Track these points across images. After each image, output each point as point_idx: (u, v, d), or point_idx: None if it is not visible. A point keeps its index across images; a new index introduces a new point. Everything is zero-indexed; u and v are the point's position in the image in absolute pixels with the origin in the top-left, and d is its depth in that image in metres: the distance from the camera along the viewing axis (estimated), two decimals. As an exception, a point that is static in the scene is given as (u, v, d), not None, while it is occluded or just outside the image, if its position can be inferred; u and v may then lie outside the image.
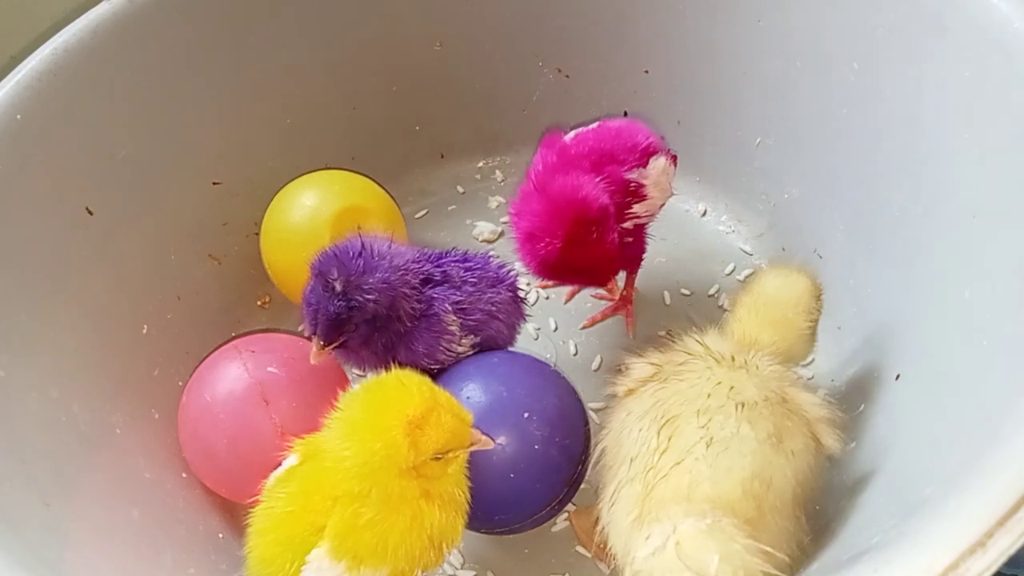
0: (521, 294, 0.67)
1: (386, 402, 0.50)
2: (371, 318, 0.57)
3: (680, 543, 0.46)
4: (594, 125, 0.70)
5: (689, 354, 0.55)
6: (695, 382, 0.53)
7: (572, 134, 0.70)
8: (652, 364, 0.56)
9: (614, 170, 0.66)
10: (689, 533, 0.46)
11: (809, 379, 0.71)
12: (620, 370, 0.58)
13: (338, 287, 0.56)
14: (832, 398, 0.68)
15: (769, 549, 0.46)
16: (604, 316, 0.78)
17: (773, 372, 0.55)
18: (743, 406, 0.51)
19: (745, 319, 0.59)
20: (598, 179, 0.64)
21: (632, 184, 0.67)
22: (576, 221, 0.61)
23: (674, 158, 0.71)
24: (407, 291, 0.59)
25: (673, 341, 0.58)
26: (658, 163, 0.69)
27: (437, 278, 0.62)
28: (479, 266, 0.64)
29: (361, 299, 0.56)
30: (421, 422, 0.49)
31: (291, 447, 0.54)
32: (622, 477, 0.52)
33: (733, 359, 0.54)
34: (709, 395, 0.51)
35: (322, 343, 0.57)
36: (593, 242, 0.62)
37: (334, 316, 0.56)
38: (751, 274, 0.61)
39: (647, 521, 0.49)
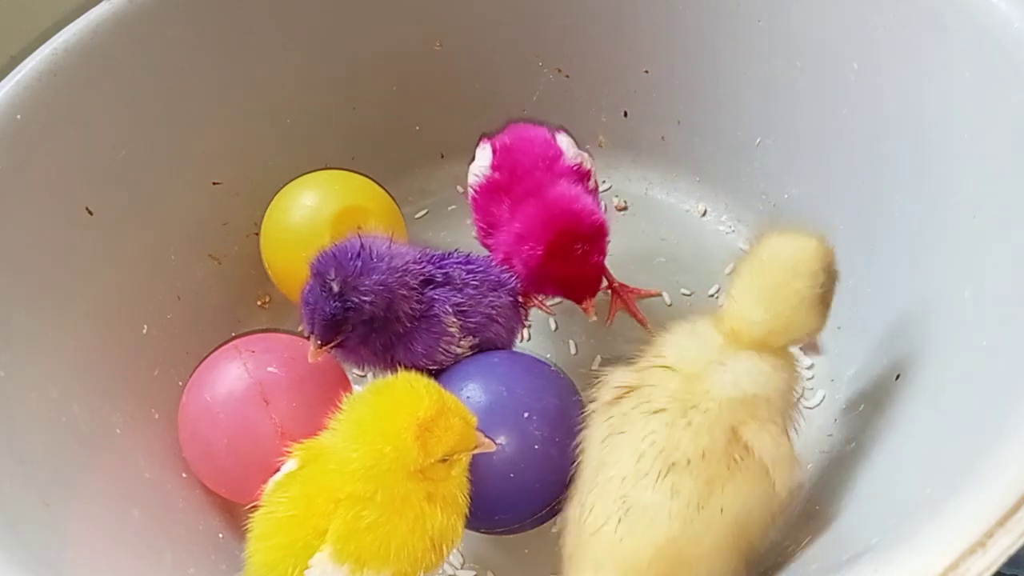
0: (521, 299, 0.67)
1: (396, 405, 0.50)
2: (368, 319, 0.57)
3: None
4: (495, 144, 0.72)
5: (640, 400, 0.53)
6: (634, 437, 0.52)
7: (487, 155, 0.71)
8: (617, 387, 0.55)
9: (558, 167, 0.68)
10: None
11: (809, 379, 0.71)
12: (596, 378, 0.57)
13: (335, 288, 0.56)
14: (832, 398, 0.69)
15: None
16: (612, 316, 0.78)
17: (744, 389, 0.51)
18: (671, 468, 0.50)
19: (739, 293, 0.54)
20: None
21: (576, 167, 0.69)
22: (563, 233, 0.62)
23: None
24: (405, 292, 0.59)
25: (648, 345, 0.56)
26: (563, 139, 0.71)
27: (438, 279, 0.62)
28: (481, 269, 0.64)
29: (357, 300, 0.56)
30: (431, 425, 0.49)
31: (289, 452, 0.54)
32: (571, 513, 0.54)
33: (690, 391, 0.52)
34: (640, 457, 0.51)
35: (319, 342, 0.57)
36: (577, 258, 0.62)
37: (330, 316, 0.56)
38: (754, 240, 0.58)
39: (574, 565, 0.52)
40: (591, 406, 0.56)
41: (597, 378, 0.57)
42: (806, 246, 0.54)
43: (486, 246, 0.70)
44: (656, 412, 0.52)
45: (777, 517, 0.53)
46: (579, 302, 0.65)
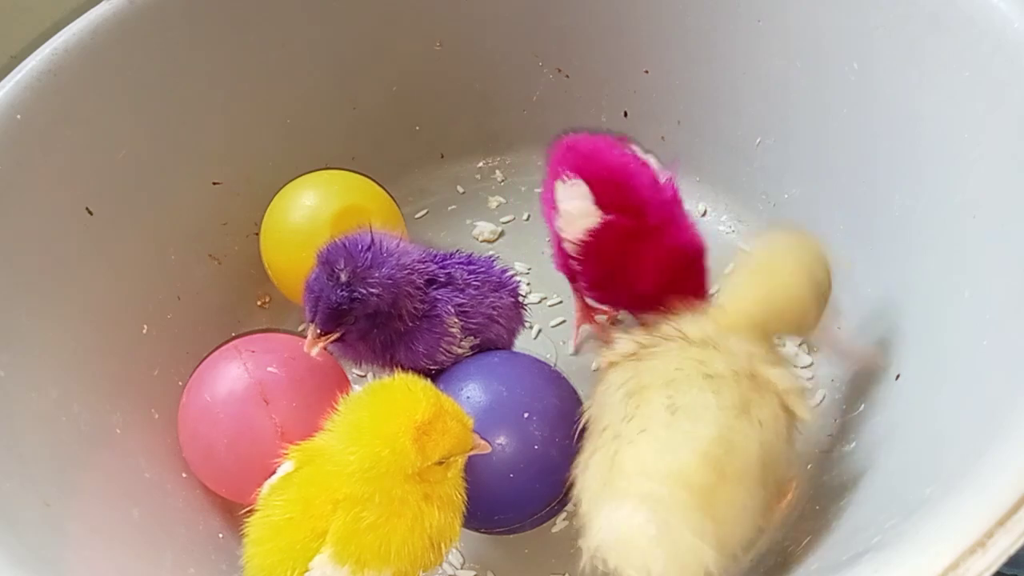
0: (522, 299, 0.67)
1: (393, 407, 0.50)
2: (372, 313, 0.57)
3: (630, 539, 0.47)
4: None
5: (664, 339, 0.55)
6: (667, 357, 0.54)
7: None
8: (635, 341, 0.56)
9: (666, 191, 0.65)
10: (638, 533, 0.47)
11: (809, 379, 0.71)
12: (606, 344, 0.58)
13: (343, 277, 0.55)
14: (832, 398, 0.69)
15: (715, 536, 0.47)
16: (578, 335, 0.77)
17: (745, 350, 0.54)
18: (710, 377, 0.51)
19: (737, 292, 0.57)
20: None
21: (669, 182, 0.66)
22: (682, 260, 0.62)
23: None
24: (411, 290, 0.59)
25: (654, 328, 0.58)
26: (637, 149, 0.68)
27: (441, 279, 0.62)
28: (483, 269, 0.64)
29: (364, 292, 0.56)
30: (428, 428, 0.49)
31: (285, 454, 0.54)
32: (595, 445, 0.53)
33: (705, 341, 0.54)
34: (678, 368, 0.52)
35: (318, 332, 0.57)
36: (687, 276, 0.62)
37: (335, 305, 0.55)
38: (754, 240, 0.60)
39: (609, 494, 0.50)
40: (604, 363, 0.57)
41: (600, 376, 0.57)
42: (804, 246, 0.57)
43: (595, 296, 0.68)
44: (684, 343, 0.54)
45: (794, 466, 0.55)
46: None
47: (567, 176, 0.64)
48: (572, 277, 0.70)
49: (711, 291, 0.65)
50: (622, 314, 0.76)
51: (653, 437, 0.50)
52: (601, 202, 0.62)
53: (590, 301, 0.74)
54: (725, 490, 0.48)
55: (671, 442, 0.49)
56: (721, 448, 0.49)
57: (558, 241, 0.66)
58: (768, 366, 0.54)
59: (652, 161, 0.66)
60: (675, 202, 0.65)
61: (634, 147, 0.67)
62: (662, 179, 0.64)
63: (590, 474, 0.52)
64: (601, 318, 0.76)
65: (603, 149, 0.65)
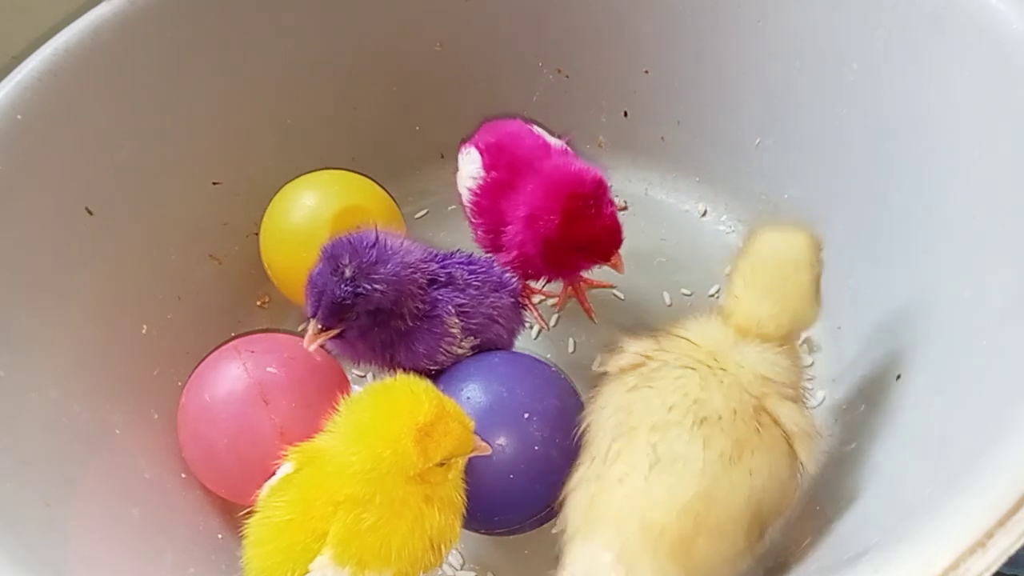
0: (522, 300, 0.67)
1: (395, 408, 0.50)
2: (374, 310, 0.57)
3: (597, 572, 0.47)
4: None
5: (665, 361, 0.54)
6: (663, 390, 0.52)
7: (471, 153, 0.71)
8: (640, 355, 0.55)
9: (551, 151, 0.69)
10: (605, 567, 0.47)
11: (809, 379, 0.71)
12: (613, 349, 0.57)
13: (347, 272, 0.55)
14: (832, 398, 0.68)
15: None
16: (561, 303, 0.79)
17: (757, 374, 0.53)
18: (703, 422, 0.50)
19: (743, 292, 0.56)
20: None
21: (564, 150, 0.70)
22: (572, 196, 0.62)
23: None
24: (413, 289, 0.59)
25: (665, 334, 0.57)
26: (537, 128, 0.72)
27: (442, 279, 0.62)
28: (483, 270, 0.64)
29: (369, 287, 0.56)
30: (430, 429, 0.49)
31: (285, 455, 0.53)
32: (582, 474, 0.53)
33: (713, 361, 0.53)
34: (671, 408, 0.51)
35: (320, 327, 0.57)
36: (592, 215, 0.62)
37: (339, 300, 0.55)
38: (746, 237, 0.59)
39: (584, 531, 0.50)
40: (606, 373, 0.56)
41: (601, 374, 0.57)
42: (801, 239, 0.56)
43: (495, 248, 0.69)
44: (685, 368, 0.53)
45: (791, 501, 0.53)
46: (608, 259, 0.64)
47: (464, 148, 0.73)
48: (487, 248, 0.72)
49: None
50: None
51: (631, 486, 0.49)
52: (486, 164, 0.70)
53: (537, 292, 0.78)
54: (702, 542, 0.48)
55: (649, 494, 0.48)
56: (702, 504, 0.48)
57: (467, 214, 0.72)
58: (778, 400, 0.52)
59: (551, 139, 0.71)
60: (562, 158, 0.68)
61: (536, 128, 0.73)
62: (555, 145, 0.70)
63: (574, 503, 0.52)
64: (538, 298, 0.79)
65: (499, 124, 0.73)
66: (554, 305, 0.79)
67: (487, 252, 0.70)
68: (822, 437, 0.53)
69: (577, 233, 0.62)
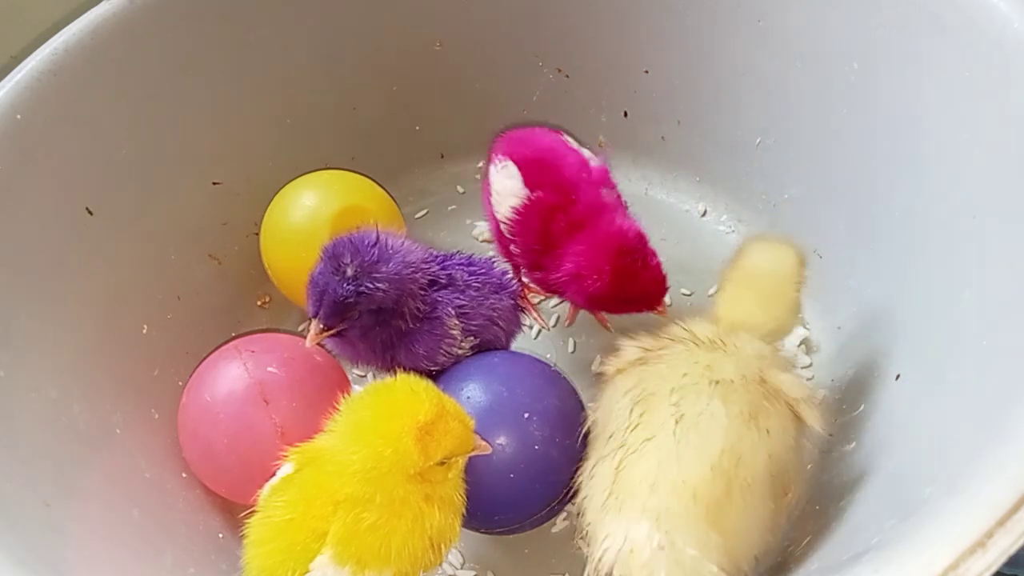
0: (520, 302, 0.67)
1: (396, 407, 0.50)
2: (375, 309, 0.57)
3: (633, 552, 0.47)
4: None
5: (672, 340, 0.56)
6: (674, 362, 0.54)
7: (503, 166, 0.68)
8: (640, 347, 0.57)
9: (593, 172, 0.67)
10: (641, 547, 0.47)
11: (809, 379, 0.71)
12: (612, 350, 0.58)
13: (349, 271, 0.56)
14: (832, 398, 0.68)
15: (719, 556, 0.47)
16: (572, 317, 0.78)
17: (754, 352, 0.54)
18: (718, 383, 0.51)
19: (735, 301, 0.58)
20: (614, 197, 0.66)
21: (602, 168, 0.68)
22: (620, 253, 0.62)
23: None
24: (415, 289, 0.59)
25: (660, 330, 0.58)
26: (569, 139, 0.70)
27: (442, 280, 0.62)
28: (483, 271, 0.64)
29: (371, 286, 0.56)
30: (431, 428, 0.49)
31: (285, 456, 0.54)
32: (600, 453, 0.53)
33: (714, 342, 0.55)
34: (685, 374, 0.52)
35: (321, 326, 0.57)
36: (639, 269, 0.62)
37: (341, 299, 0.55)
38: (736, 250, 0.61)
39: (614, 505, 0.49)
40: (610, 370, 0.57)
41: (603, 372, 0.58)
42: (789, 253, 0.59)
43: (532, 266, 0.67)
44: (690, 344, 0.55)
45: (801, 472, 0.55)
46: (655, 308, 0.64)
47: (499, 160, 0.69)
48: (514, 263, 0.71)
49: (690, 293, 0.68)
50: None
51: (659, 448, 0.49)
52: (528, 181, 0.66)
53: (536, 291, 0.76)
54: (734, 503, 0.48)
55: (678, 454, 0.49)
56: (730, 461, 0.48)
57: (496, 226, 0.69)
58: (778, 371, 0.54)
59: (584, 151, 0.69)
60: (603, 184, 0.67)
61: (567, 137, 0.71)
62: (593, 164, 0.68)
63: (595, 483, 0.52)
64: (537, 297, 0.79)
65: (533, 135, 0.70)
66: (566, 323, 0.78)
67: (507, 262, 0.70)
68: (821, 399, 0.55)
69: (627, 289, 0.62)
